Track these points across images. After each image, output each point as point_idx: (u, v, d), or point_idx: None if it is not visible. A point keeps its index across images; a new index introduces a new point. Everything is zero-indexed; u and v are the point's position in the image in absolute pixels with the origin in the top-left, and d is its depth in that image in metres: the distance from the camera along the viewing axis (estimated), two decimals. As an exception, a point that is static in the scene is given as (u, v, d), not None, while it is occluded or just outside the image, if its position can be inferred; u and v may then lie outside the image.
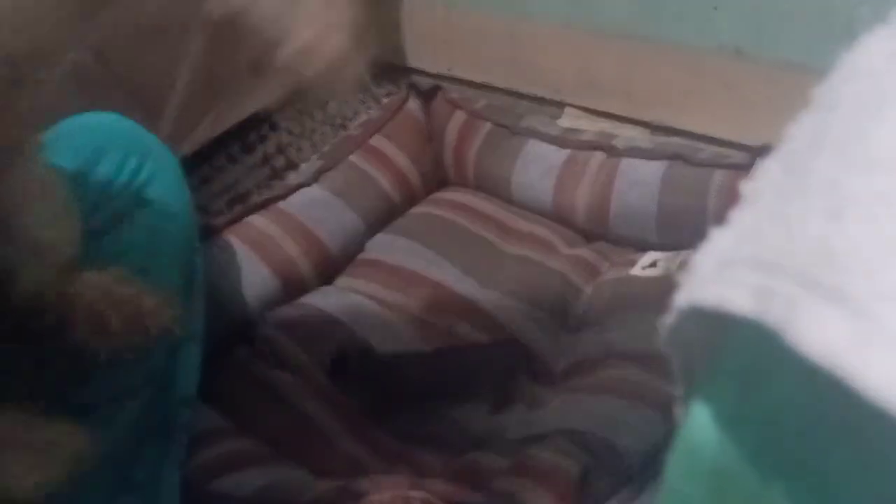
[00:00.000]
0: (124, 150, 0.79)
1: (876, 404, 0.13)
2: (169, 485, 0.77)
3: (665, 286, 0.97)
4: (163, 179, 0.81)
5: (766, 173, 0.18)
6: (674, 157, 1.06)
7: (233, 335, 0.94)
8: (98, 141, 0.78)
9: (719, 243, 0.18)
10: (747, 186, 0.18)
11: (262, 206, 1.04)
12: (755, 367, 0.17)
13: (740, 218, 0.18)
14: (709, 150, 1.10)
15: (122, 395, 0.75)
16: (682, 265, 0.99)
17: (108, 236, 0.76)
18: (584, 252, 1.09)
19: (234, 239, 0.99)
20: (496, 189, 1.19)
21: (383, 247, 1.09)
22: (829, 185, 0.16)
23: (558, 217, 1.13)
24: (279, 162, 1.35)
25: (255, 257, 0.99)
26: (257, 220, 1.02)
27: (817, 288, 0.15)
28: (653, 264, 1.03)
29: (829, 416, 0.15)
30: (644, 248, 1.07)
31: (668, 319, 0.19)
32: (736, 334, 0.17)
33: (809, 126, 0.18)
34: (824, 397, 0.15)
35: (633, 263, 1.05)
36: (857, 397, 0.14)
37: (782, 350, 0.15)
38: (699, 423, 0.19)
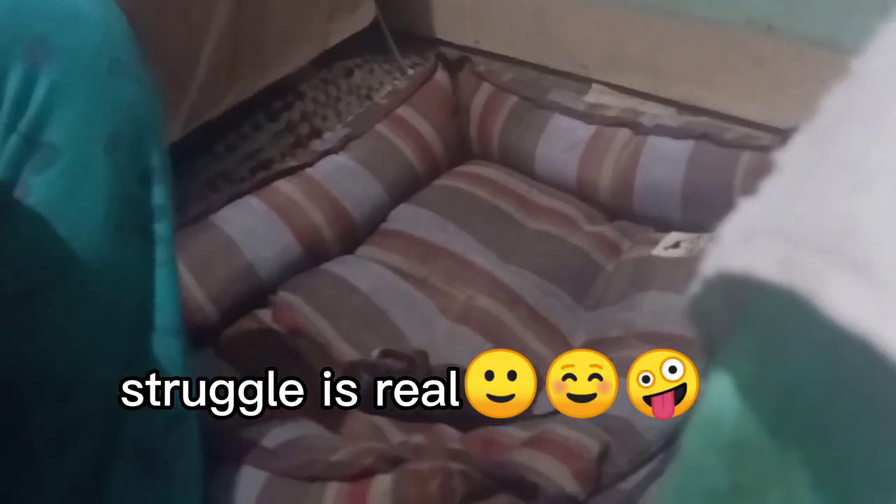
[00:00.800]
0: (2, 52, 0.47)
1: (899, 373, 0.13)
2: None
3: (687, 268, 0.96)
4: (79, 85, 0.48)
5: (797, 144, 0.18)
6: (701, 136, 1.05)
7: (255, 298, 0.95)
8: None
9: (746, 213, 0.18)
10: (778, 156, 0.18)
11: (288, 171, 1.04)
12: (776, 337, 0.17)
13: (768, 188, 0.18)
14: (737, 131, 1.09)
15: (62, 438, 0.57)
16: (705, 248, 0.98)
17: None
18: (605, 229, 1.09)
19: (259, 203, 1.00)
20: (519, 163, 1.18)
21: (405, 218, 1.09)
22: (855, 158, 0.16)
23: (581, 193, 1.13)
24: (304, 130, 1.36)
25: (279, 222, 0.99)
26: (283, 186, 1.03)
27: (841, 258, 0.15)
28: (675, 245, 1.03)
29: (851, 386, 0.15)
30: (667, 227, 1.06)
31: (693, 288, 0.19)
32: (758, 304, 0.17)
33: (840, 98, 0.18)
34: (847, 368, 0.15)
35: (655, 243, 1.04)
36: (880, 367, 0.14)
37: (804, 320, 0.15)
38: (719, 394, 0.19)
